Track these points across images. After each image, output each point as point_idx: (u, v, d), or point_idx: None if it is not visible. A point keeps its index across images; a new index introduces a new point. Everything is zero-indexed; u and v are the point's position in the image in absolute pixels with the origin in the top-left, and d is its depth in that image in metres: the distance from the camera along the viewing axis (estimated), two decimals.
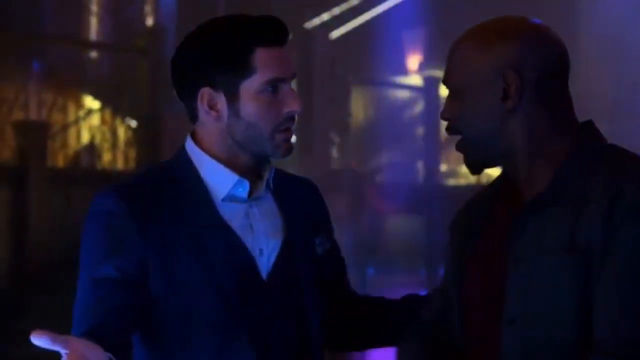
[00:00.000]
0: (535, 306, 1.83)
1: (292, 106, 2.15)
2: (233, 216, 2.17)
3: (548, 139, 1.89)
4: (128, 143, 11.54)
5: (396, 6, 13.96)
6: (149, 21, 12.59)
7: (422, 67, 14.57)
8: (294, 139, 2.22)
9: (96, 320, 2.01)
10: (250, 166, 2.19)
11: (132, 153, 11.52)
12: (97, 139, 11.45)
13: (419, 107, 14.17)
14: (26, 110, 10.78)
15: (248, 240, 2.16)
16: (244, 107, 2.14)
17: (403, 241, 12.67)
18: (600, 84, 11.69)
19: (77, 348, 1.71)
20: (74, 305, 2.10)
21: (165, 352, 2.13)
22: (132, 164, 11.38)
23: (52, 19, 11.70)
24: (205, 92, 2.15)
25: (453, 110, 1.93)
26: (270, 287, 2.17)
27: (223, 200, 2.17)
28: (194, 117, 2.20)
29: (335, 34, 13.99)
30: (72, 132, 11.33)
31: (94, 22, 12.66)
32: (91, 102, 11.67)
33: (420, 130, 14.09)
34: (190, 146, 2.21)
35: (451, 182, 13.86)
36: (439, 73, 13.04)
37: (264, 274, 2.17)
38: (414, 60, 14.72)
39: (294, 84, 2.20)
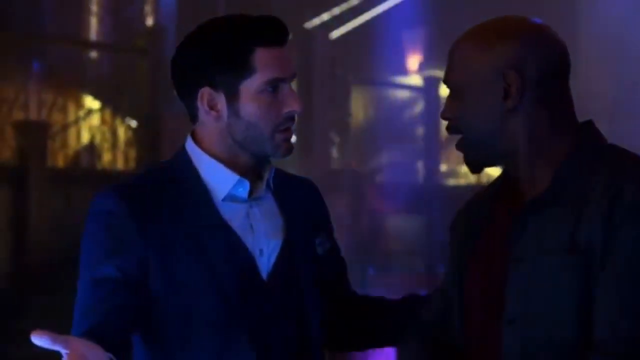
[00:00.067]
0: (535, 306, 1.83)
1: (292, 106, 2.15)
2: (233, 216, 2.17)
3: (548, 139, 1.89)
4: (128, 143, 11.54)
5: (396, 6, 13.96)
6: (149, 21, 12.59)
7: (422, 67, 14.57)
8: (294, 138, 2.22)
9: (96, 320, 2.01)
10: (251, 166, 2.19)
11: (132, 153, 11.52)
12: (97, 139, 11.45)
13: (419, 107, 14.17)
14: (26, 110, 10.78)
15: (248, 240, 2.16)
16: (244, 107, 2.14)
17: (403, 241, 12.67)
18: (600, 84, 11.69)
19: (77, 348, 1.71)
20: (74, 305, 2.10)
21: (165, 352, 2.13)
22: (132, 164, 11.38)
23: (52, 19, 11.69)
24: (205, 92, 2.15)
25: (453, 109, 1.93)
26: (271, 287, 2.17)
27: (223, 200, 2.17)
28: (194, 117, 2.20)
29: (335, 34, 13.99)
30: (72, 132, 11.33)
31: (94, 22, 12.65)
32: (91, 102, 11.67)
33: (420, 130, 14.09)
34: (190, 146, 2.21)
35: (451, 182, 13.86)
36: (439, 73, 13.04)
37: (264, 274, 2.17)
38: (414, 60, 14.71)
39: (294, 84, 2.20)
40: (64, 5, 11.92)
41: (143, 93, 11.44)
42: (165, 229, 2.11)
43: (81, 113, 11.42)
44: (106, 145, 11.46)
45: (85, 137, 11.43)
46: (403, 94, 14.59)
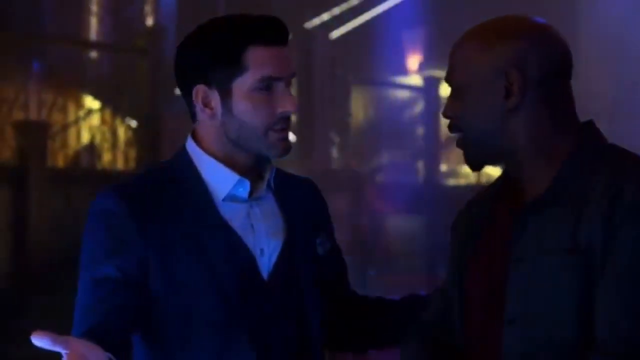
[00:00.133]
0: (535, 306, 1.83)
1: (286, 106, 2.14)
2: (234, 216, 2.17)
3: (549, 139, 1.89)
4: (128, 143, 11.54)
5: (396, 6, 13.96)
6: (149, 21, 12.59)
7: (422, 67, 14.57)
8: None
9: (96, 320, 2.01)
10: (250, 166, 2.19)
11: (132, 153, 11.52)
12: (97, 139, 11.45)
13: (419, 107, 14.17)
14: (26, 110, 10.78)
15: (249, 240, 2.16)
16: (237, 105, 2.14)
17: (403, 241, 12.67)
18: (600, 84, 11.69)
19: (76, 348, 1.71)
20: (74, 305, 2.10)
21: (165, 352, 2.13)
22: (132, 164, 11.39)
23: (52, 19, 11.70)
24: (200, 89, 2.15)
25: (455, 108, 1.93)
26: (271, 287, 2.17)
27: (224, 200, 2.17)
28: (194, 115, 2.21)
29: (335, 34, 13.99)
30: (72, 132, 11.33)
31: (94, 22, 12.65)
32: (91, 102, 11.67)
33: (420, 130, 14.09)
34: (191, 146, 2.21)
35: (451, 182, 13.86)
36: (439, 73, 13.05)
37: (264, 274, 2.17)
38: (414, 60, 14.71)
39: (294, 84, 2.20)
40: (64, 5, 11.92)
41: (143, 93, 11.44)
42: (165, 229, 2.11)
43: (81, 113, 11.42)
44: (106, 145, 11.46)
45: (85, 137, 11.43)
46: (403, 94, 14.60)
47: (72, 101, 11.37)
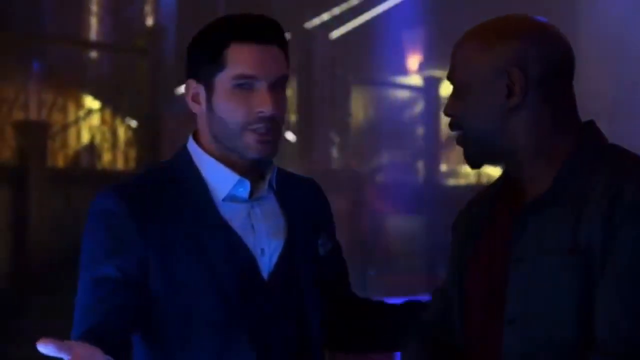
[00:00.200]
0: (535, 306, 1.83)
1: (263, 106, 2.11)
2: (234, 216, 2.16)
3: (550, 138, 1.89)
4: (128, 143, 11.54)
5: (396, 6, 13.95)
6: (149, 21, 12.58)
7: (422, 67, 14.56)
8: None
9: (96, 320, 2.01)
10: (248, 165, 2.18)
11: (132, 153, 11.52)
12: (97, 139, 11.46)
13: (419, 107, 14.17)
14: (26, 110, 10.79)
15: (249, 240, 2.16)
16: (216, 101, 2.14)
17: (403, 241, 12.67)
18: (600, 84, 11.69)
19: (78, 353, 1.72)
20: (74, 305, 2.10)
21: (165, 352, 2.13)
22: (132, 164, 11.39)
23: (52, 19, 11.69)
24: (190, 83, 2.17)
25: (456, 107, 1.93)
26: (271, 287, 2.17)
27: (224, 200, 2.17)
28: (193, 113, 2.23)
29: (335, 34, 13.98)
30: (72, 132, 11.33)
31: (94, 22, 12.65)
32: (91, 102, 11.67)
33: (420, 130, 14.09)
34: (192, 146, 2.21)
35: (451, 182, 13.86)
36: (439, 73, 13.05)
37: (265, 274, 2.17)
38: (414, 60, 14.71)
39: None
40: (64, 5, 11.92)
41: (143, 93, 11.44)
42: (165, 229, 2.11)
43: (81, 113, 11.43)
44: (106, 145, 11.46)
45: (85, 137, 11.44)
46: (403, 94, 14.59)
47: (72, 101, 11.38)
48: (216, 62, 2.12)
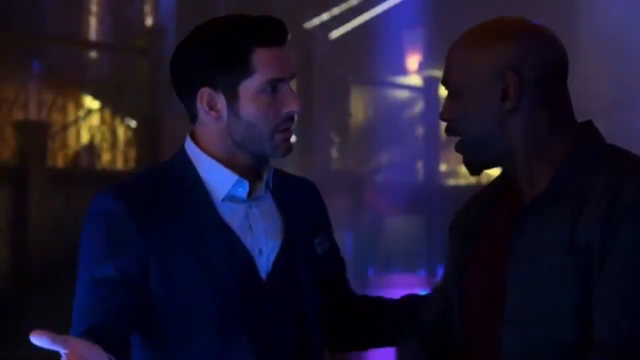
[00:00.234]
0: (535, 306, 1.83)
1: (292, 106, 2.15)
2: (233, 216, 2.17)
3: (547, 139, 1.89)
4: (128, 143, 11.54)
5: (396, 6, 13.96)
6: (149, 21, 12.58)
7: (422, 67, 14.57)
8: (293, 138, 2.22)
9: (96, 320, 2.01)
10: (250, 166, 2.19)
11: (132, 153, 11.52)
12: (97, 139, 11.45)
13: (419, 107, 14.17)
14: (26, 110, 10.78)
15: (247, 240, 2.16)
16: (244, 107, 2.14)
17: (403, 241, 12.67)
18: (600, 84, 11.70)
19: (76, 348, 1.71)
20: (73, 305, 2.09)
21: (165, 352, 2.13)
22: (132, 164, 11.39)
23: (52, 19, 11.69)
24: (204, 92, 2.15)
25: (452, 111, 1.93)
26: (270, 287, 2.17)
27: (223, 200, 2.17)
28: (193, 117, 2.20)
29: (335, 34, 13.99)
30: (72, 132, 11.33)
31: (94, 22, 12.65)
32: (91, 102, 11.67)
33: (420, 130, 14.09)
34: (189, 146, 2.21)
35: (451, 182, 13.86)
36: (439, 73, 13.01)
37: (263, 274, 2.17)
38: (413, 60, 14.71)
39: (293, 84, 2.20)
40: (64, 5, 11.92)
41: (143, 93, 11.44)
42: (165, 229, 2.11)
43: (81, 113, 11.42)
44: (106, 145, 11.46)
45: (85, 137, 11.44)
46: (403, 94, 14.60)
47: (72, 101, 11.37)
48: (240, 69, 2.12)
